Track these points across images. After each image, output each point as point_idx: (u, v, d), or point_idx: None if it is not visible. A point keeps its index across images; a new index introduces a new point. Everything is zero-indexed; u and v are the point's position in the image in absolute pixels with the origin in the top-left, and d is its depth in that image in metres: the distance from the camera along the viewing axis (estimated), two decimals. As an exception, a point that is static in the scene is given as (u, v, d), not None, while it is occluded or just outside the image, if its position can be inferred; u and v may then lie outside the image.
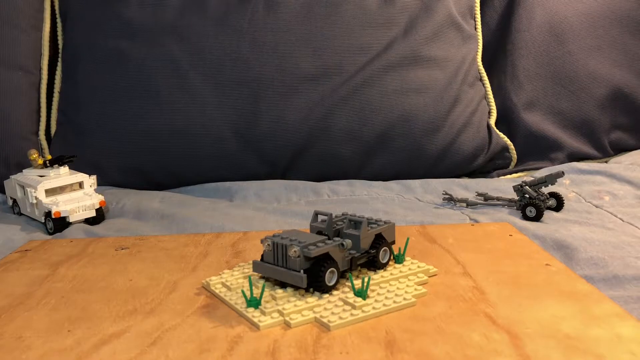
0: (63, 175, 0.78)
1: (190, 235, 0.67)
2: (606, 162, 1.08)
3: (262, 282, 0.49)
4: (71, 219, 0.74)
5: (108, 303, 0.48)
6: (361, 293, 0.46)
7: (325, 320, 0.42)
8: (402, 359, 0.38)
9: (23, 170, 0.81)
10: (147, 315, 0.46)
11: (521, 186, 0.78)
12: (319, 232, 0.52)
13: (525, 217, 0.74)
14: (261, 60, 0.97)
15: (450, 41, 1.05)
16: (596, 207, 0.79)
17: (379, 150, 0.98)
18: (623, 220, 0.72)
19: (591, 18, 1.12)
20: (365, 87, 0.98)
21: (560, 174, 0.78)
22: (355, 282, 0.48)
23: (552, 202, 0.77)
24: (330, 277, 0.47)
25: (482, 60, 1.12)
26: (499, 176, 1.05)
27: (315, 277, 0.46)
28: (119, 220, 0.78)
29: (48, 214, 0.73)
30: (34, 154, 0.80)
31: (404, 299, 0.46)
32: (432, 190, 0.90)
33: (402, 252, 0.54)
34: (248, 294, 0.46)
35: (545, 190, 0.81)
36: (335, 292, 0.47)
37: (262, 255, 0.49)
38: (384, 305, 0.45)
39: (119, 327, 0.44)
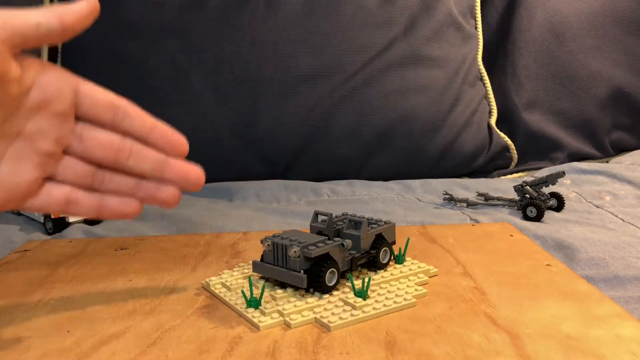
0: (63, 175, 0.78)
1: (189, 236, 0.67)
2: (607, 162, 1.08)
3: (262, 282, 0.49)
4: (70, 219, 0.74)
5: (107, 303, 0.48)
6: (361, 293, 0.45)
7: (325, 320, 0.42)
8: (403, 359, 0.37)
9: (23, 170, 0.81)
10: (146, 315, 0.45)
11: (522, 186, 0.77)
12: (319, 232, 0.51)
13: (526, 217, 0.73)
14: (261, 59, 0.96)
15: (451, 41, 1.04)
16: (597, 207, 0.79)
17: (379, 150, 0.98)
18: (624, 221, 0.72)
19: (592, 18, 1.12)
20: (365, 87, 0.98)
21: (561, 174, 0.78)
22: (355, 282, 0.48)
23: (552, 202, 0.77)
24: (330, 278, 0.46)
25: (483, 60, 1.12)
26: (499, 176, 1.04)
27: (315, 277, 0.45)
28: (118, 221, 0.78)
29: (47, 214, 0.73)
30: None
31: (404, 299, 0.46)
32: (433, 190, 0.90)
33: (402, 253, 0.54)
34: (248, 294, 0.46)
35: (546, 190, 0.81)
36: (335, 293, 0.47)
37: (262, 256, 0.49)
38: (384, 305, 0.45)
39: (119, 327, 0.43)
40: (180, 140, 0.43)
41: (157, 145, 0.42)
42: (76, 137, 0.40)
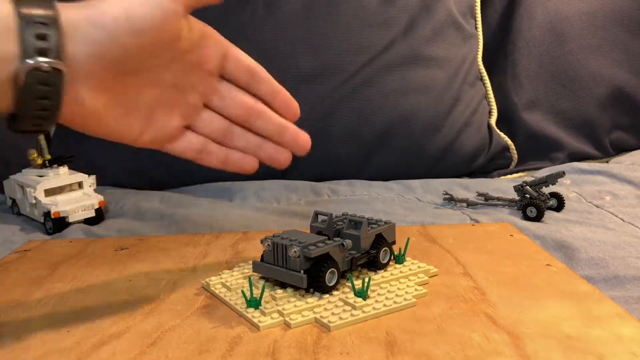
0: (62, 175, 0.78)
1: (189, 236, 0.67)
2: (607, 162, 1.08)
3: (262, 282, 0.49)
4: (70, 219, 0.74)
5: (107, 303, 0.48)
6: (361, 293, 0.45)
7: (325, 320, 0.42)
8: (403, 359, 0.37)
9: (22, 170, 0.81)
10: (146, 315, 0.45)
11: (522, 186, 0.77)
12: (319, 232, 0.51)
13: (526, 217, 0.73)
14: (260, 59, 0.96)
15: (451, 41, 1.04)
16: (597, 207, 0.79)
17: (379, 150, 0.98)
18: (624, 221, 0.71)
19: (592, 18, 1.12)
20: (365, 87, 0.97)
21: (561, 174, 0.78)
22: (355, 282, 0.48)
23: (552, 202, 0.77)
24: (330, 278, 0.46)
25: (483, 60, 1.12)
26: (499, 176, 1.04)
27: (315, 277, 0.45)
28: (118, 221, 0.78)
29: (47, 214, 0.73)
30: (33, 154, 0.79)
31: (405, 299, 0.46)
32: (433, 190, 0.90)
33: (402, 252, 0.54)
34: (248, 294, 0.46)
35: (546, 190, 0.81)
36: (335, 293, 0.47)
37: (262, 256, 0.49)
38: (385, 305, 0.45)
39: (119, 327, 0.43)
40: (296, 106, 0.49)
41: (278, 109, 0.48)
42: (217, 94, 0.45)
